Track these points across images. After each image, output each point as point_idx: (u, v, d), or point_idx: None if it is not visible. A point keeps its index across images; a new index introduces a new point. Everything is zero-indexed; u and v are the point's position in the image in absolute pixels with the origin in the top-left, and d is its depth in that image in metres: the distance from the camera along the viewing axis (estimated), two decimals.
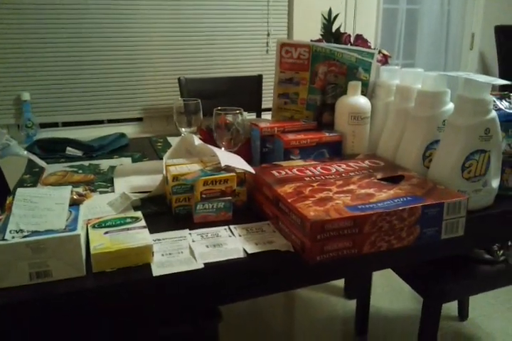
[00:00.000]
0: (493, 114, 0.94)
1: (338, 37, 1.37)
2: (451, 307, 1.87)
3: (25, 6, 2.11)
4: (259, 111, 2.35)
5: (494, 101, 1.00)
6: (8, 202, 0.83)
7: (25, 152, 1.19)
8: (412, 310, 1.90)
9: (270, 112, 1.34)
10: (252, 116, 2.32)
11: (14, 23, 2.11)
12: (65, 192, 0.87)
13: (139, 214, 0.89)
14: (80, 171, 1.25)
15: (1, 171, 1.42)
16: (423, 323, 1.34)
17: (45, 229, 0.73)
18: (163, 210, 0.98)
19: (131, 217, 0.87)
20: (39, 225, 0.74)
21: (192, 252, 0.81)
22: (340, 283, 2.08)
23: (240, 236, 0.87)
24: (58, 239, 0.72)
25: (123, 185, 1.12)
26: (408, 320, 1.84)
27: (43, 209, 0.80)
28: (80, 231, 0.74)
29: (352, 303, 1.93)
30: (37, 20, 2.15)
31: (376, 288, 2.03)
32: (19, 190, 0.86)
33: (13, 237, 0.71)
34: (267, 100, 2.41)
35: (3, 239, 0.70)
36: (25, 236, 0.71)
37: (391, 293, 2.04)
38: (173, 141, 1.56)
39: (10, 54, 2.15)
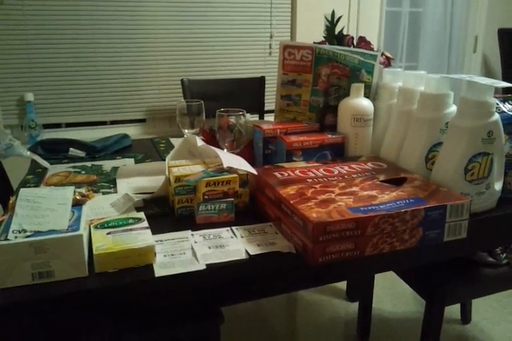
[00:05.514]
0: (496, 116, 0.94)
1: (341, 39, 1.37)
2: (453, 311, 1.86)
3: (29, 7, 2.12)
4: (261, 113, 2.35)
5: (497, 104, 0.99)
6: (11, 202, 0.83)
7: (28, 152, 1.19)
8: (414, 313, 1.90)
9: (273, 114, 1.34)
10: (255, 118, 2.33)
11: (18, 24, 2.12)
12: (68, 193, 0.87)
13: (141, 215, 0.89)
14: (83, 172, 1.26)
15: (4, 171, 1.43)
16: (425, 326, 1.33)
17: (47, 229, 0.73)
18: (166, 211, 0.99)
19: (134, 218, 0.87)
20: (42, 225, 0.75)
21: (194, 253, 0.81)
22: (342, 285, 2.07)
23: (242, 237, 0.87)
24: (61, 240, 0.72)
25: (126, 186, 1.12)
26: (410, 323, 1.84)
27: (45, 209, 0.80)
28: (83, 231, 0.75)
29: (354, 306, 1.92)
30: (41, 22, 2.16)
31: (378, 290, 2.03)
32: (22, 190, 0.86)
33: (15, 237, 0.71)
34: (270, 102, 2.42)
35: (6, 239, 0.70)
36: (28, 236, 0.71)
37: (393, 295, 2.03)
38: (176, 142, 1.57)
39: (14, 55, 2.16)
